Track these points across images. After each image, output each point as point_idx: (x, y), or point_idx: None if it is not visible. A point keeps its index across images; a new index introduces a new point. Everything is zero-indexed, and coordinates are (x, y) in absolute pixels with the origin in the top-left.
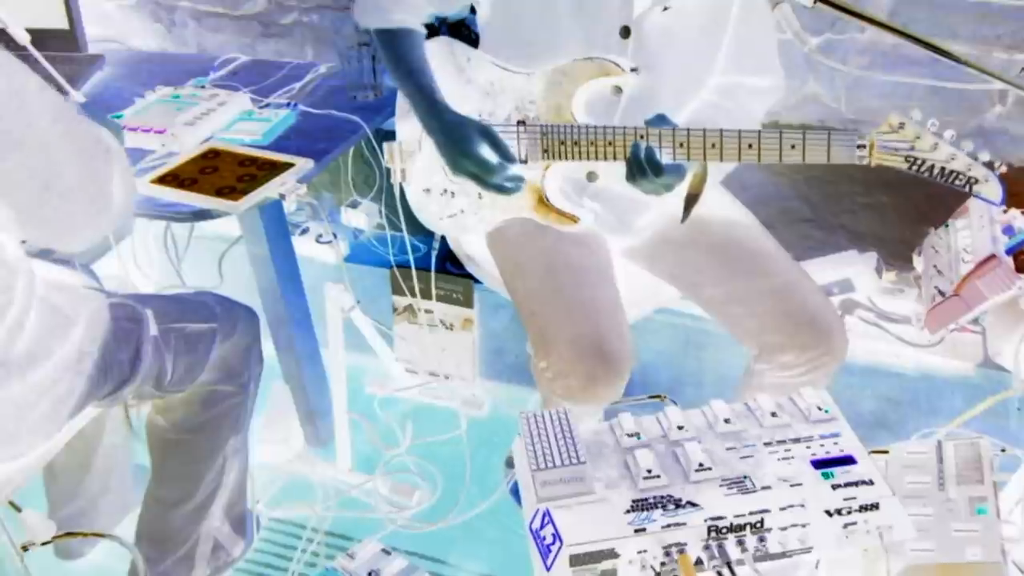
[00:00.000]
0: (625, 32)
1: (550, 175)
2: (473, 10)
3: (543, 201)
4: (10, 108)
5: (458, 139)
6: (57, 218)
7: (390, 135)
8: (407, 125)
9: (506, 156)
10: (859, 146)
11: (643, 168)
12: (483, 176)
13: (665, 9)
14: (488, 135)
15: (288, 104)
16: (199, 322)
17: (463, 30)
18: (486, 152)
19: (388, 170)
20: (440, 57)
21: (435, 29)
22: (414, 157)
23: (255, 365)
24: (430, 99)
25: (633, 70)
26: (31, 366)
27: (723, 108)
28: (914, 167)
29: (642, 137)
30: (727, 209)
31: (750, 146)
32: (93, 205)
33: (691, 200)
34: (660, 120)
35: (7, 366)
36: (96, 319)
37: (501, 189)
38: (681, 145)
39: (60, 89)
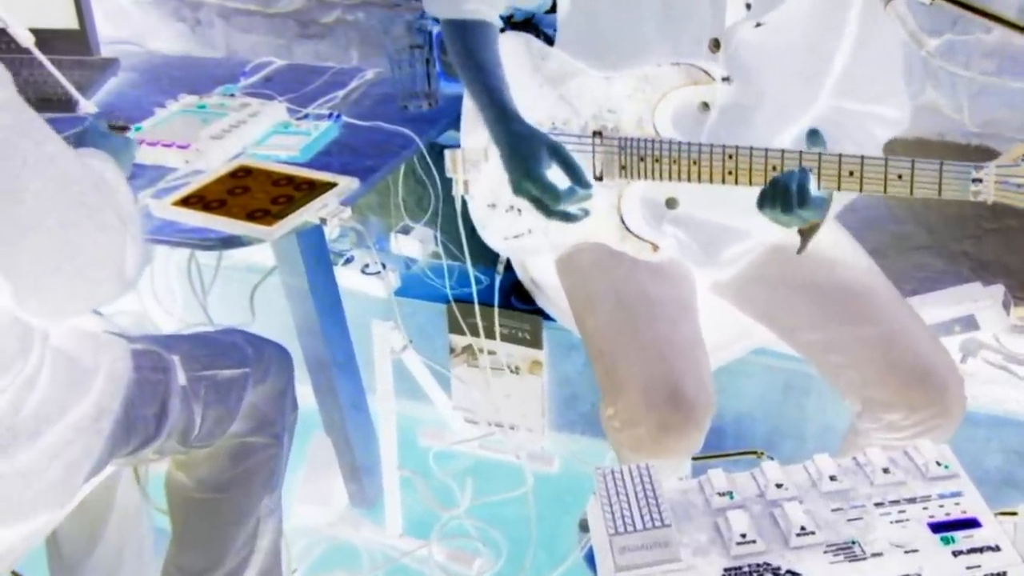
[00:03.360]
0: (715, 44)
1: (628, 195)
2: (554, 7)
3: (619, 225)
4: (34, 186)
5: (523, 155)
6: (62, 293)
7: (450, 147)
8: (473, 130)
9: (578, 179)
10: (975, 180)
11: (789, 197)
12: (546, 201)
13: (758, 25)
14: (558, 154)
15: (330, 115)
16: (231, 367)
17: (530, 32)
18: (553, 174)
19: (448, 182)
20: (513, 54)
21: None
22: (479, 167)
23: (289, 412)
24: (499, 103)
25: (725, 79)
26: (41, 428)
27: (844, 126)
28: None
29: (730, 157)
30: (829, 241)
31: (851, 173)
32: (102, 282)
33: (810, 231)
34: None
35: (14, 431)
36: (117, 371)
37: (565, 217)
38: (774, 168)
39: (69, 99)
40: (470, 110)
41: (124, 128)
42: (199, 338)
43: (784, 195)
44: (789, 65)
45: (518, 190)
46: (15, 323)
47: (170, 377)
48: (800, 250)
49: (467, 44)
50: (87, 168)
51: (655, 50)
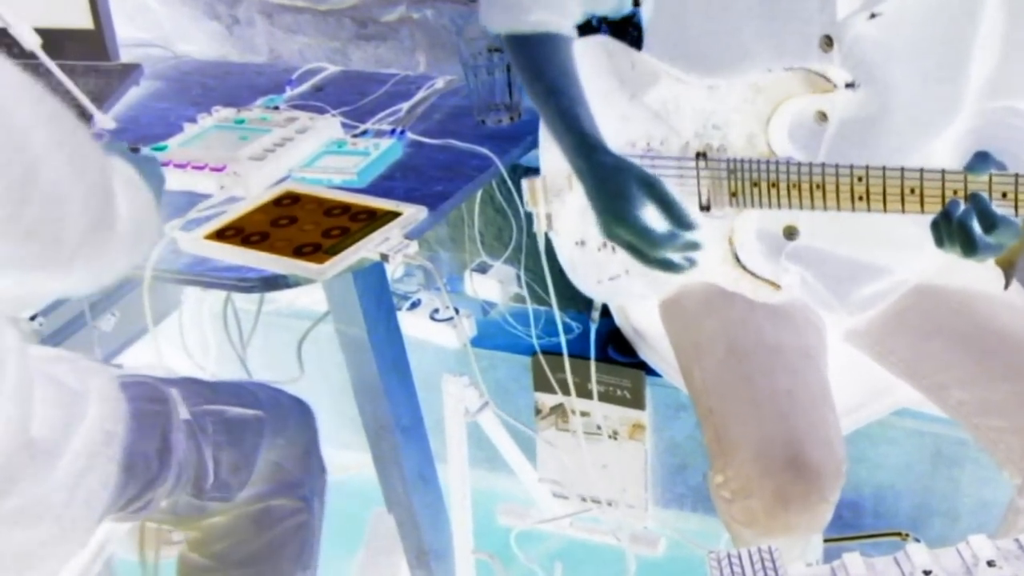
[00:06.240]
0: (827, 42)
1: (741, 227)
2: (637, 2)
3: (733, 262)
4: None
5: (612, 193)
6: (44, 228)
7: (531, 172)
8: (554, 154)
9: (679, 220)
10: None
11: (968, 232)
12: (642, 249)
13: (872, 16)
14: (653, 190)
15: (392, 131)
16: (240, 406)
17: (629, 29)
18: (649, 216)
19: (529, 216)
20: (593, 65)
21: (593, 28)
22: (562, 197)
23: (317, 474)
24: (577, 130)
25: (849, 85)
26: (52, 452)
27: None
28: None
29: (860, 179)
30: (987, 280)
31: (1004, 195)
32: (87, 212)
33: (1010, 267)
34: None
35: (32, 448)
36: (108, 395)
37: (667, 266)
38: (912, 191)
39: (82, 112)
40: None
41: (135, 151)
42: (200, 379)
43: (962, 232)
44: (920, 62)
45: (609, 235)
46: None
47: (169, 408)
48: (1006, 286)
49: (535, 62)
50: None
51: (757, 53)
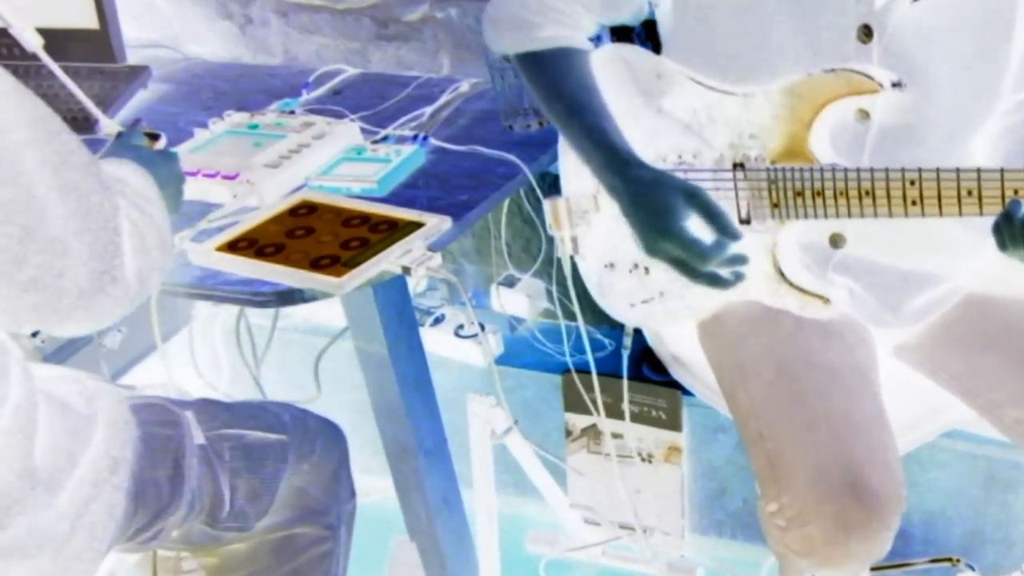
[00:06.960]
0: (865, 33)
1: (784, 240)
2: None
3: (777, 277)
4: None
5: (654, 208)
6: (43, 280)
7: (553, 191)
8: (577, 174)
9: (725, 230)
10: None
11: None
12: (691, 263)
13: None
14: (697, 200)
15: (415, 137)
16: (263, 431)
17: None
18: (695, 227)
19: (554, 237)
20: (613, 78)
21: (628, 30)
22: (588, 218)
23: (345, 500)
24: (607, 146)
25: (895, 85)
26: (54, 479)
27: None
28: None
29: (912, 183)
30: None
31: None
32: (90, 265)
33: None
34: None
35: (33, 478)
36: (116, 418)
37: (715, 281)
38: (969, 193)
39: (86, 117)
40: (568, 146)
41: (155, 137)
42: (219, 401)
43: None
44: (961, 48)
45: (652, 252)
46: None
47: (182, 432)
48: None
49: (552, 79)
50: (48, 113)
51: (789, 50)
